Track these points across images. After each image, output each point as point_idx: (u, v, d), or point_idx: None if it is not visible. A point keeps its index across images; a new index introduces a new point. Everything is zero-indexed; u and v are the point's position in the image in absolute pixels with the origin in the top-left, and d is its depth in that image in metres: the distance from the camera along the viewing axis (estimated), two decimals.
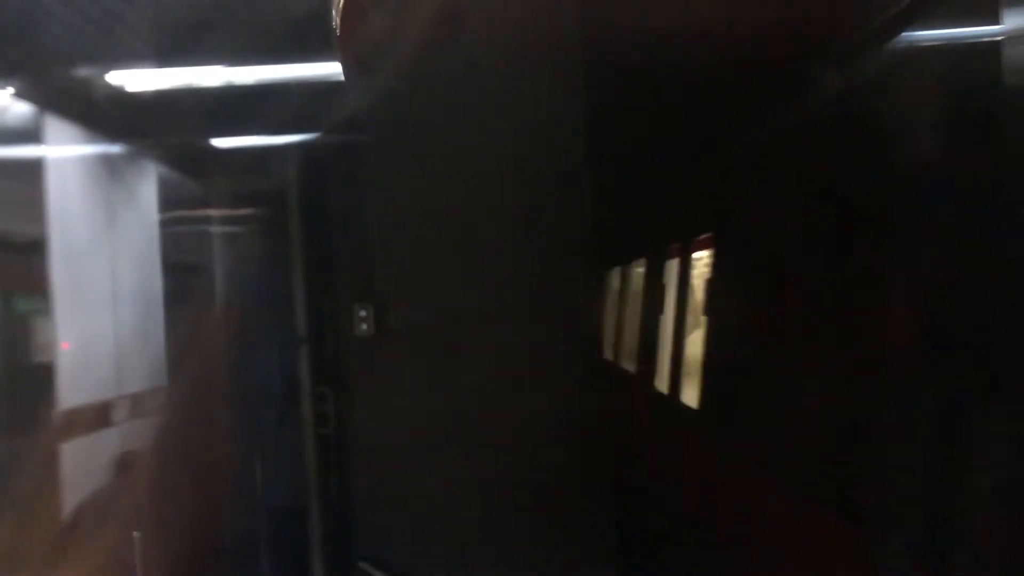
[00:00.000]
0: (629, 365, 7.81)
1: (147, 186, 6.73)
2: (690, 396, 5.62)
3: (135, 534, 5.07)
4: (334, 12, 3.58)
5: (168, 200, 6.74)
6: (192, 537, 5.39)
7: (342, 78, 4.51)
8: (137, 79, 5.53)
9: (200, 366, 6.10)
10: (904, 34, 3.43)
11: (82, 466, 5.33)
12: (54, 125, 5.48)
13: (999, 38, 2.67)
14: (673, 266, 7.08)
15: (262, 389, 6.65)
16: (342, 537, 5.96)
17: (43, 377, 5.23)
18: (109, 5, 4.73)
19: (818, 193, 4.15)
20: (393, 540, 5.61)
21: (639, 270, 8.58)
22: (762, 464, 4.12)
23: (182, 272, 6.77)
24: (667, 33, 4.22)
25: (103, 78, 5.43)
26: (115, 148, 6.33)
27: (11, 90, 5.12)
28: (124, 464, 5.51)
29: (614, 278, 9.81)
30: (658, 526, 5.62)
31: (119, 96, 5.54)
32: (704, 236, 5.66)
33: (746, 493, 4.36)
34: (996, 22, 2.69)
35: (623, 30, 4.26)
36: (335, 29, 3.69)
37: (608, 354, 8.74)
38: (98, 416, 5.78)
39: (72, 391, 5.41)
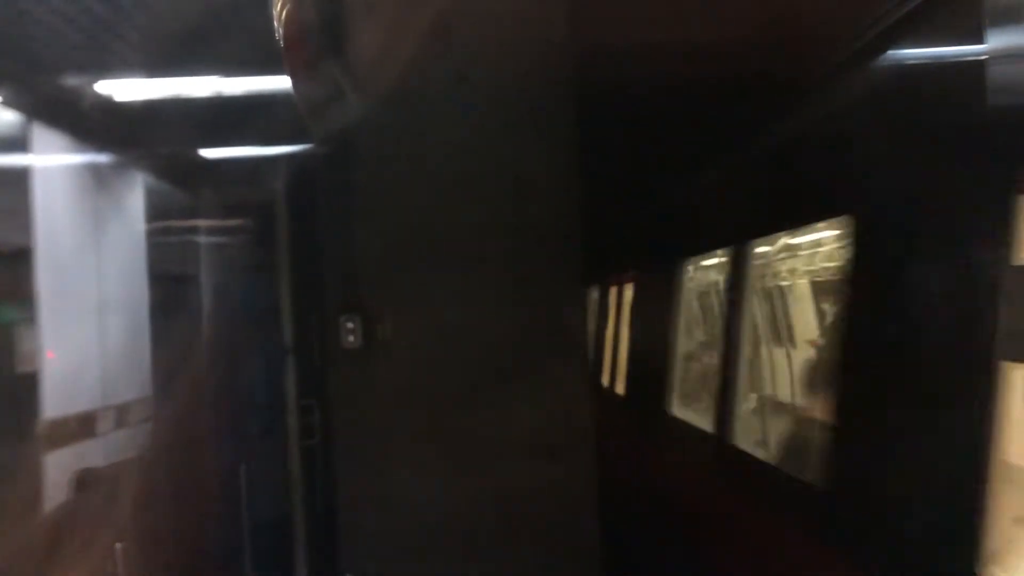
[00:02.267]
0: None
1: (135, 196, 6.71)
2: None
3: (117, 545, 5.04)
4: (277, 27, 3.58)
5: (156, 210, 6.73)
6: (177, 548, 5.37)
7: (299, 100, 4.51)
8: (126, 89, 5.53)
9: (186, 377, 6.08)
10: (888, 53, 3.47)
11: (57, 477, 5.30)
12: (42, 134, 5.47)
13: (983, 57, 2.71)
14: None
15: (248, 400, 6.63)
16: (327, 549, 5.94)
17: (27, 386, 5.21)
18: (99, 15, 4.73)
19: None
20: (378, 552, 5.60)
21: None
22: None
23: (169, 282, 6.75)
24: (654, 49, 4.26)
25: (92, 87, 5.43)
26: (103, 158, 6.32)
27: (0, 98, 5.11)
28: (82, 482, 5.47)
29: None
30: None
31: (107, 106, 5.54)
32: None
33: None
34: (980, 42, 2.73)
35: (612, 45, 4.30)
36: (280, 46, 3.69)
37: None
38: (83, 427, 5.75)
39: (57, 400, 5.39)
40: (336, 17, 3.79)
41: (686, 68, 4.45)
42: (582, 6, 4.00)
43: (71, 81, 5.40)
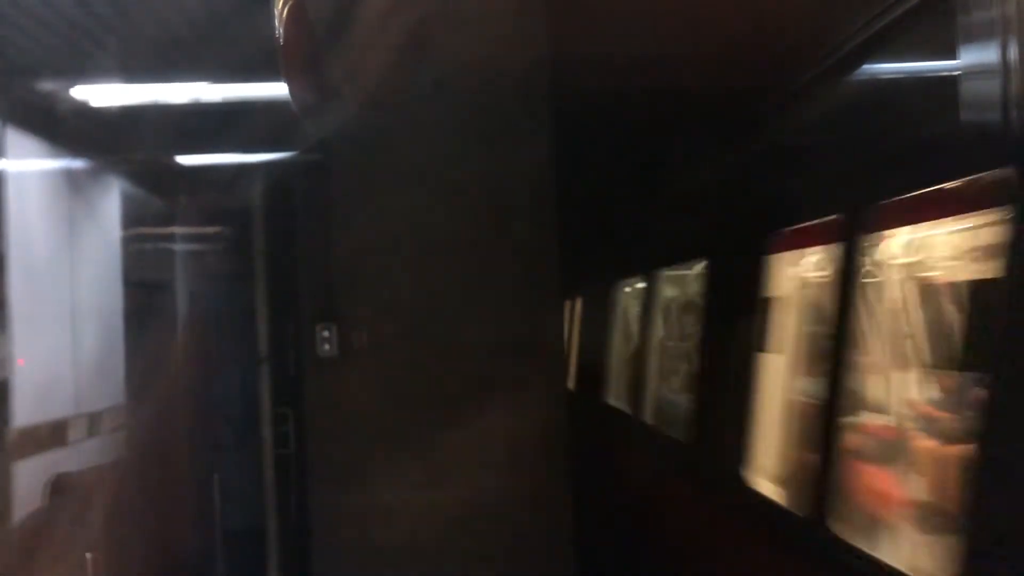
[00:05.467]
0: None
1: (110, 202, 6.67)
2: None
3: (88, 555, 4.99)
4: (278, 27, 3.58)
5: (132, 217, 6.69)
6: (150, 556, 5.32)
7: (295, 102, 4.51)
8: (103, 94, 5.50)
9: (160, 385, 6.04)
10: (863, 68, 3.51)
11: (27, 486, 5.25)
12: (16, 138, 5.43)
13: (956, 72, 2.73)
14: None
15: (223, 408, 6.61)
16: (300, 558, 5.91)
17: None
18: (75, 19, 4.71)
19: None
20: (352, 561, 5.57)
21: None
22: None
23: (144, 290, 6.71)
24: (632, 62, 4.28)
25: (68, 92, 5.40)
26: (79, 163, 6.28)
27: None
28: (58, 487, 5.42)
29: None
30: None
31: (84, 111, 5.51)
32: None
33: None
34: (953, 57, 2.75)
35: (590, 58, 4.32)
36: (279, 46, 3.69)
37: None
38: (54, 435, 5.69)
39: (28, 408, 5.33)
40: (338, 17, 3.80)
41: (663, 81, 4.48)
42: (561, 19, 4.02)
43: (47, 85, 5.37)
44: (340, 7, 3.73)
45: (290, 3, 3.45)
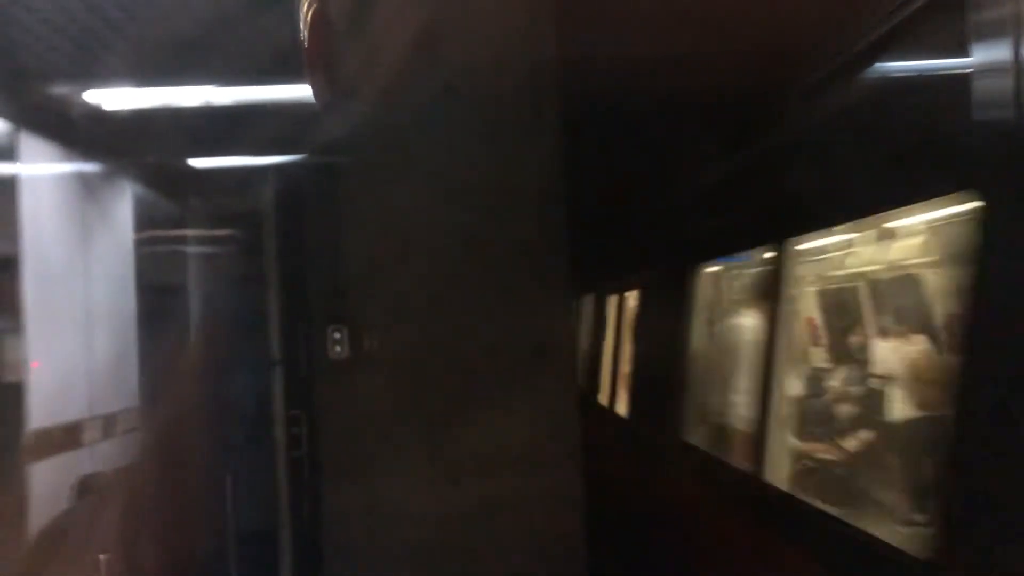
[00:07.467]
0: None
1: (123, 205, 6.70)
2: None
3: (101, 557, 5.01)
4: (302, 28, 3.61)
5: (144, 220, 6.71)
6: (162, 560, 5.34)
7: (316, 100, 4.53)
8: (115, 98, 5.53)
9: (173, 387, 6.06)
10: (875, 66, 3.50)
11: (43, 488, 5.27)
12: (29, 142, 5.46)
13: (968, 71, 2.72)
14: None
15: (235, 411, 6.61)
16: (312, 561, 5.92)
17: (13, 396, 5.18)
18: (88, 24, 4.74)
19: None
20: (364, 564, 5.58)
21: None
22: None
23: (157, 292, 6.74)
24: (641, 63, 4.29)
25: (80, 96, 5.42)
26: (91, 167, 6.31)
27: None
28: (85, 487, 5.45)
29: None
30: None
31: (96, 114, 5.53)
32: None
33: None
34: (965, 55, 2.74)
35: (599, 58, 4.32)
36: (303, 45, 3.72)
37: None
38: (68, 437, 5.72)
39: (43, 411, 5.36)
40: (352, 16, 3.82)
41: (673, 81, 4.48)
42: (570, 20, 4.03)
43: (59, 89, 5.40)
44: (355, 7, 3.75)
45: (314, 6, 3.48)
